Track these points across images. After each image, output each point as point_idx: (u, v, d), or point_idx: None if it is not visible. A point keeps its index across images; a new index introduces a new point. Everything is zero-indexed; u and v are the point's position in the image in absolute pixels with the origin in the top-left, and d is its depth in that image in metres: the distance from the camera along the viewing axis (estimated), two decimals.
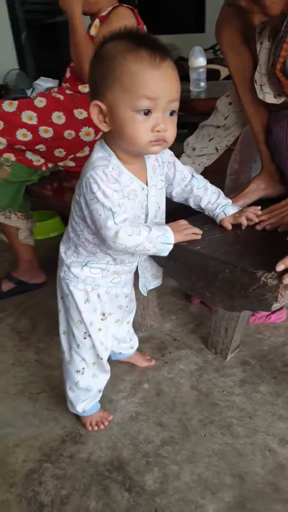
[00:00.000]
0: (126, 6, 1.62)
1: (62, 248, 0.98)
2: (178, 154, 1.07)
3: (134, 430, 1.10)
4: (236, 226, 0.98)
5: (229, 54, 1.04)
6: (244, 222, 0.96)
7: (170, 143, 0.81)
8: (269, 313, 1.50)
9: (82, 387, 1.05)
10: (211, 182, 1.02)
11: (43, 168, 1.66)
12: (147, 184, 0.88)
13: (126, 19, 1.58)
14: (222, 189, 1.03)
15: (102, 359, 1.04)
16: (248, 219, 0.97)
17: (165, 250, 0.86)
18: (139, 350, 1.31)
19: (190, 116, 1.82)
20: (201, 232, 0.94)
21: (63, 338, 1.04)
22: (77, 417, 1.13)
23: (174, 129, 0.80)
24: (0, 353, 1.42)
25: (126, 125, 0.76)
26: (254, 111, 1.07)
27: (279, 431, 1.06)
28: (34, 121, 1.53)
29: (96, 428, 1.10)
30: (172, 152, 0.97)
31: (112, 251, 0.90)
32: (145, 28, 1.66)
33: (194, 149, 1.36)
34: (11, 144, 1.53)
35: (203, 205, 1.01)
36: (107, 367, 1.08)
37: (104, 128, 0.80)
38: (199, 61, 1.83)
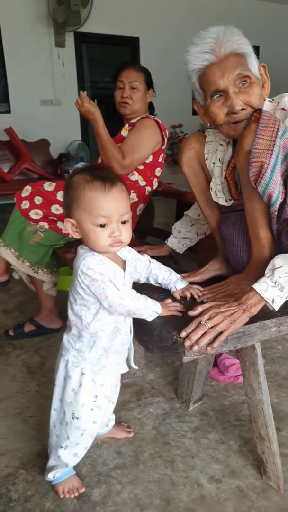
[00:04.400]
0: (151, 118, 2.03)
1: (65, 338, 1.14)
2: None
3: (96, 454, 1.35)
4: (183, 297, 1.27)
5: (188, 173, 1.38)
6: (188, 295, 1.25)
7: (127, 243, 1.05)
8: (238, 374, 1.73)
9: (63, 461, 1.19)
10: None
11: (70, 236, 2.05)
12: (124, 270, 1.13)
13: (151, 128, 2.00)
14: None
15: (90, 436, 1.17)
16: (191, 294, 1.26)
17: (152, 317, 1.07)
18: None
19: None
20: (183, 309, 1.13)
21: (53, 414, 1.18)
22: None
23: (128, 232, 1.03)
24: (10, 381, 1.75)
25: (90, 234, 1.01)
26: (209, 213, 1.39)
27: (212, 471, 1.28)
28: None
29: (68, 496, 1.19)
30: (136, 251, 1.23)
31: (113, 318, 1.08)
32: (167, 132, 2.07)
33: (180, 232, 1.69)
34: (46, 215, 1.93)
35: (159, 280, 1.29)
36: (90, 443, 1.20)
37: (77, 236, 1.04)
38: None
